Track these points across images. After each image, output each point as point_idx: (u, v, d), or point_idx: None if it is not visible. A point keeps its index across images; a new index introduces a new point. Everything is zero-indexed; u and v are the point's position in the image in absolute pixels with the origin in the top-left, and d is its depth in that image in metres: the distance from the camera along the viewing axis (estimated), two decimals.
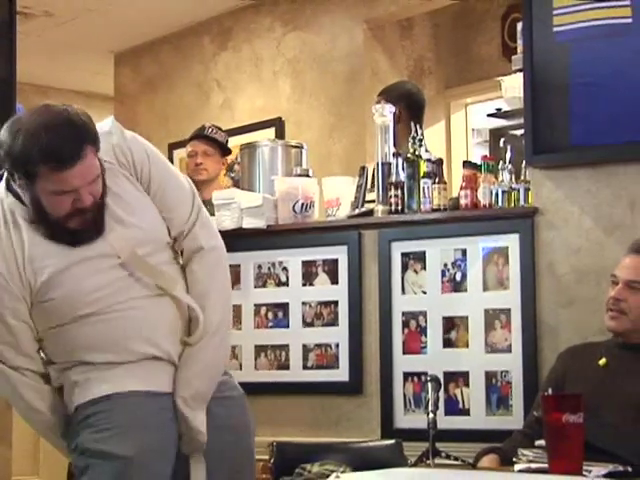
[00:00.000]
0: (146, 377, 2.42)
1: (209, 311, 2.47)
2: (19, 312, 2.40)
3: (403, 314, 3.81)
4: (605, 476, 2.39)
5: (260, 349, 4.06)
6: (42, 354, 2.48)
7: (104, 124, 2.47)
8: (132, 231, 2.42)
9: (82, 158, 2.28)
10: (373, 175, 4.05)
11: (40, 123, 2.27)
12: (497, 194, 3.66)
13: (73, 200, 2.31)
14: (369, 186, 4.14)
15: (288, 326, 4.01)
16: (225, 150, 4.94)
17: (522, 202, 3.64)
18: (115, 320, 2.39)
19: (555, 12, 3.53)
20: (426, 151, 3.82)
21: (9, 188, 2.42)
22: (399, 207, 3.82)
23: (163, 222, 2.49)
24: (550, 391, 2.64)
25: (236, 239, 4.08)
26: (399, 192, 3.82)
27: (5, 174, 2.40)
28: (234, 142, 5.16)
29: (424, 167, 3.79)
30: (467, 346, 3.69)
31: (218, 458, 2.47)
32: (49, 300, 2.38)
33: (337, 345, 3.92)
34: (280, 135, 6.04)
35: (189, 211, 2.52)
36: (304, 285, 4.00)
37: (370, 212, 3.96)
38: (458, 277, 3.73)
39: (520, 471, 2.56)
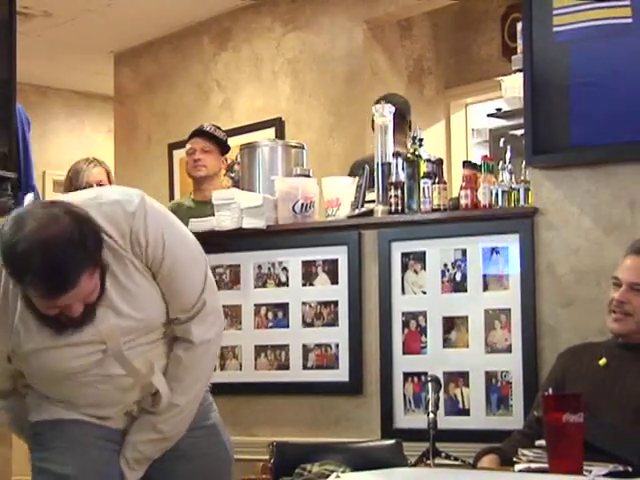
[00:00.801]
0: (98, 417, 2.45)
1: (178, 392, 2.45)
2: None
3: (403, 314, 3.81)
4: (605, 476, 2.38)
5: (260, 349, 4.06)
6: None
7: (131, 200, 2.33)
8: (125, 321, 2.34)
9: (74, 287, 2.16)
10: (371, 173, 4.05)
11: (40, 240, 2.11)
12: (497, 194, 3.66)
13: (62, 307, 2.23)
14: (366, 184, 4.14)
15: (288, 326, 4.01)
16: (224, 147, 4.93)
17: (522, 202, 3.64)
18: (84, 386, 2.39)
19: (555, 12, 3.53)
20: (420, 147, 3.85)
21: None
22: (399, 207, 3.83)
23: (163, 306, 2.42)
24: (550, 391, 2.64)
25: (236, 239, 4.09)
26: (399, 192, 3.82)
27: None
28: (234, 142, 5.16)
29: (424, 167, 3.79)
30: (467, 346, 3.69)
31: None
32: (26, 363, 2.38)
33: (337, 345, 3.92)
34: (280, 135, 6.04)
35: (192, 303, 2.43)
36: (304, 285, 4.00)
37: (370, 212, 3.96)
38: (458, 277, 3.73)
39: (520, 471, 2.56)
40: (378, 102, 4.24)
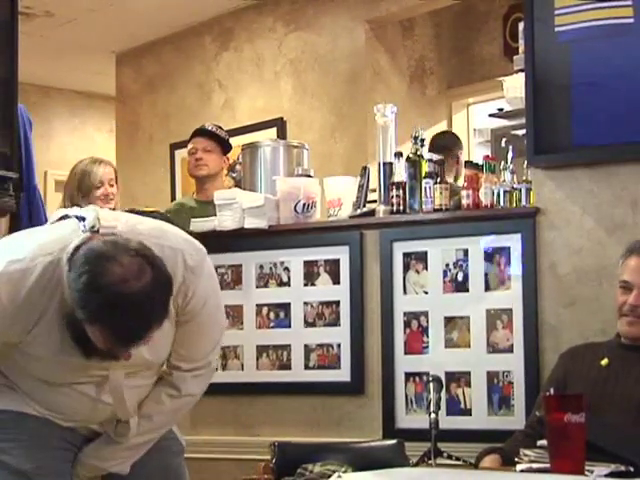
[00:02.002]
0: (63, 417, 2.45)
1: (145, 430, 2.47)
2: None
3: (405, 314, 3.81)
4: (607, 476, 2.38)
5: (262, 349, 4.06)
6: None
7: (194, 254, 2.37)
8: (134, 359, 2.30)
9: (144, 343, 2.20)
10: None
11: (119, 294, 2.08)
12: (499, 194, 3.66)
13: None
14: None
15: (290, 326, 4.01)
16: (226, 147, 4.93)
17: (524, 202, 3.64)
18: (61, 395, 2.39)
19: (557, 12, 3.53)
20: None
21: (71, 260, 2.19)
22: (401, 207, 3.83)
23: (170, 349, 2.45)
24: (552, 391, 2.64)
25: (238, 239, 4.10)
26: (401, 192, 3.82)
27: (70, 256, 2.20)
28: (236, 142, 5.16)
29: (426, 167, 3.79)
30: (469, 346, 3.69)
31: None
32: (23, 359, 2.34)
33: (339, 345, 3.92)
34: (282, 135, 6.04)
35: (200, 359, 2.49)
36: (306, 285, 4.00)
37: (372, 212, 3.96)
38: (460, 277, 3.73)
39: (522, 471, 2.56)
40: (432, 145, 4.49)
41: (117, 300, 2.08)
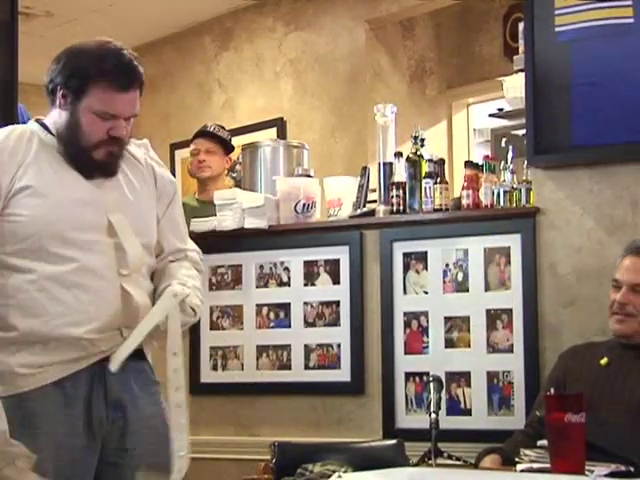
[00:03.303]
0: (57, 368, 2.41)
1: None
2: None
3: (405, 314, 3.81)
4: (607, 476, 2.39)
5: (262, 349, 4.06)
6: None
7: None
8: (129, 212, 2.51)
9: (135, 89, 2.47)
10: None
11: (110, 49, 2.48)
12: (499, 194, 3.66)
13: (110, 127, 2.43)
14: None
15: (290, 326, 4.01)
16: (228, 147, 4.93)
17: (524, 202, 3.64)
18: (66, 286, 2.39)
19: (557, 12, 3.53)
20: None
21: (39, 121, 2.53)
22: (401, 207, 3.83)
23: (155, 230, 2.62)
24: (552, 391, 2.64)
25: (238, 239, 4.10)
26: (401, 192, 3.82)
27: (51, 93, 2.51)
28: (236, 142, 5.16)
29: (426, 167, 3.79)
30: (469, 346, 3.69)
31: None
32: (39, 200, 2.41)
33: (339, 345, 3.92)
34: (282, 135, 6.04)
35: (176, 243, 2.67)
36: (306, 285, 4.00)
37: (372, 212, 3.96)
38: (460, 277, 3.73)
39: (522, 471, 2.56)
40: None
41: (101, 51, 2.46)
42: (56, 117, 2.50)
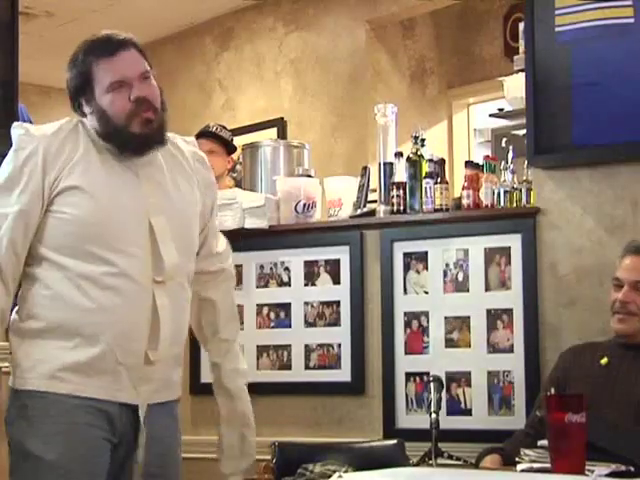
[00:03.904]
0: (97, 384, 2.42)
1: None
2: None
3: (405, 314, 3.81)
4: (607, 476, 2.38)
5: (262, 349, 4.06)
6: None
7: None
8: (170, 209, 2.54)
9: (127, 49, 2.47)
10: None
11: (95, 36, 2.51)
12: (499, 194, 3.66)
13: (129, 95, 2.46)
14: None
15: (290, 326, 4.01)
16: (230, 148, 4.93)
17: (524, 202, 3.64)
18: (109, 289, 2.40)
19: (557, 12, 3.53)
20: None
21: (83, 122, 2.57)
22: (401, 207, 3.83)
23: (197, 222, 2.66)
24: (552, 391, 2.64)
25: (238, 239, 4.08)
26: (401, 192, 3.82)
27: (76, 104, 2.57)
28: (236, 142, 5.16)
29: (426, 167, 3.79)
30: (469, 346, 3.69)
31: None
32: (60, 213, 2.41)
33: (339, 345, 3.92)
34: (282, 135, 6.04)
35: (214, 248, 2.77)
36: (306, 285, 4.00)
37: (372, 212, 3.96)
38: (460, 277, 3.73)
39: (522, 471, 2.56)
40: None
41: (87, 42, 2.49)
42: (90, 120, 2.53)
